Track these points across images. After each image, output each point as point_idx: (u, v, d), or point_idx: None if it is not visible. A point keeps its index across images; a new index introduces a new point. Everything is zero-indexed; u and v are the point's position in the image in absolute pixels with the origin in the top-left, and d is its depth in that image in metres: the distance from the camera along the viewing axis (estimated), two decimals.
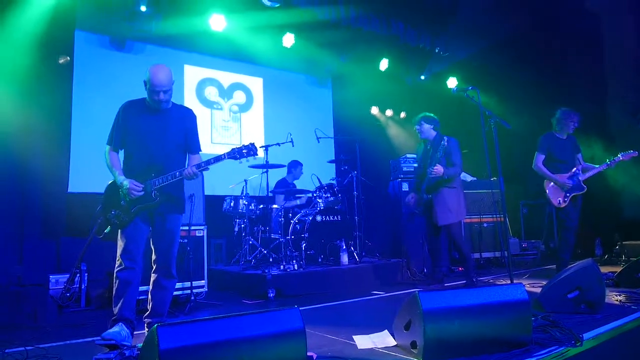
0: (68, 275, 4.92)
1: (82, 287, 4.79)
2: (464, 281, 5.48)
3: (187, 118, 3.61)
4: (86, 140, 6.78)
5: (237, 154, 3.39)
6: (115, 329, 3.18)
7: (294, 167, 7.45)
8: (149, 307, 3.51)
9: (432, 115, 5.63)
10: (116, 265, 3.39)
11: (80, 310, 4.69)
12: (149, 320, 3.48)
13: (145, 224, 3.45)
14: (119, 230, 3.42)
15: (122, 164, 3.50)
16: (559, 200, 5.61)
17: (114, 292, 3.35)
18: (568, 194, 5.60)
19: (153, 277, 3.52)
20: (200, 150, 3.67)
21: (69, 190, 6.61)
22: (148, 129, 3.44)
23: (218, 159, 3.37)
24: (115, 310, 3.31)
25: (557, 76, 8.74)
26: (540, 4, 8.34)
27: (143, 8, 6.45)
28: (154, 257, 3.51)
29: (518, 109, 8.45)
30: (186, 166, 3.49)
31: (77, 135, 6.75)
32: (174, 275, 3.53)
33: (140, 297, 4.10)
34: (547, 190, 5.68)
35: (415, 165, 7.09)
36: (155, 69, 3.34)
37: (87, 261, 4.98)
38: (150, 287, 3.53)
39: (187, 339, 2.06)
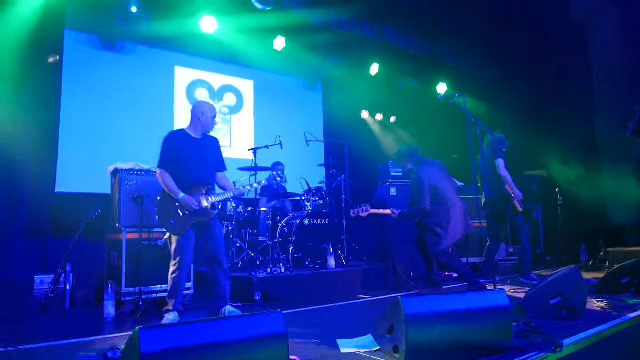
0: (53, 276, 4.88)
1: (67, 288, 4.75)
2: (462, 284, 5.50)
3: (217, 144, 4.41)
4: (74, 140, 6.76)
5: (274, 181, 4.57)
6: (170, 317, 4.01)
7: (275, 168, 7.42)
8: (217, 293, 4.22)
9: (402, 149, 5.59)
10: (172, 265, 4.08)
11: (65, 312, 4.65)
12: (219, 304, 4.23)
13: (194, 232, 4.15)
14: (176, 237, 4.07)
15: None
16: (522, 205, 5.92)
17: (170, 287, 4.08)
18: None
19: (213, 272, 4.20)
20: (227, 169, 4.48)
21: (55, 190, 6.57)
22: (194, 154, 4.16)
23: (259, 183, 4.56)
24: (172, 303, 4.07)
25: (545, 85, 8.84)
26: (528, 14, 8.43)
27: (134, 9, 6.45)
28: (208, 256, 4.21)
29: (506, 116, 8.54)
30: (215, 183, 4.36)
31: (65, 135, 6.72)
32: (225, 268, 4.23)
33: (161, 295, 4.58)
34: (513, 195, 5.85)
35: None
36: (208, 104, 4.33)
37: (72, 261, 4.94)
38: (214, 280, 4.20)
39: (169, 341, 2.06)
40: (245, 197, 6.98)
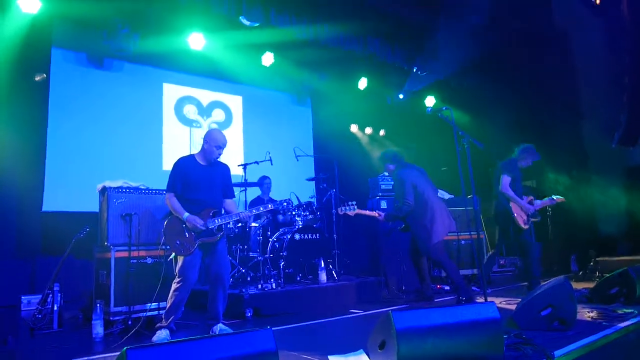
0: (40, 296, 4.82)
1: (55, 308, 4.69)
2: (454, 297, 5.52)
3: (227, 171, 4.56)
4: (62, 158, 6.72)
5: (280, 206, 4.66)
6: (162, 334, 4.06)
7: (262, 182, 7.40)
8: (211, 312, 4.29)
9: (387, 151, 5.94)
10: (175, 282, 4.14)
11: (53, 332, 4.59)
12: (210, 322, 4.30)
13: (200, 252, 4.22)
14: (182, 257, 4.14)
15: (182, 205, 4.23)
16: (525, 221, 5.90)
17: (169, 304, 4.13)
18: (531, 218, 5.97)
19: (213, 291, 4.28)
20: (235, 197, 4.65)
21: (43, 209, 6.49)
22: (203, 179, 4.31)
23: (265, 207, 4.57)
24: (168, 320, 4.13)
25: (531, 95, 8.94)
26: (512, 24, 8.54)
27: (122, 27, 6.46)
28: (212, 274, 4.27)
29: (494, 128, 8.61)
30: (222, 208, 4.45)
31: (53, 153, 6.67)
32: (226, 288, 4.34)
33: (151, 314, 4.66)
34: (513, 211, 5.89)
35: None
36: (218, 131, 4.43)
37: (60, 281, 4.89)
38: (212, 299, 4.28)
39: None
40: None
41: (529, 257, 5.93)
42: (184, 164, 4.35)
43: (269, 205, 4.59)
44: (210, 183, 4.33)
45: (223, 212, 4.41)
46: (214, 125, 8.60)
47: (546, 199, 6.22)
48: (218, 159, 4.43)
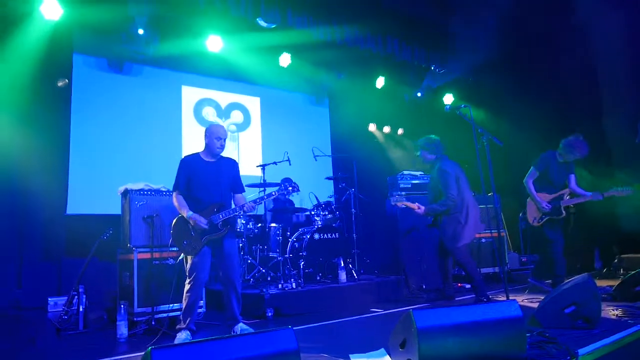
0: (66, 298, 4.92)
1: (80, 310, 4.77)
2: (474, 296, 5.48)
3: (234, 166, 4.54)
4: (84, 161, 6.84)
5: (285, 190, 4.44)
6: (182, 335, 4.07)
7: (283, 183, 7.43)
8: (228, 312, 4.30)
9: (430, 138, 5.59)
10: (187, 283, 4.15)
11: (79, 333, 4.67)
12: (230, 322, 4.30)
13: (209, 250, 4.23)
14: (190, 256, 4.16)
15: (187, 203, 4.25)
16: (534, 219, 5.79)
17: (185, 305, 4.15)
18: (543, 217, 5.76)
19: (225, 292, 4.28)
20: (244, 191, 4.58)
21: (67, 212, 6.62)
22: (208, 175, 4.30)
23: (269, 195, 4.50)
24: (186, 321, 4.13)
25: (551, 92, 8.81)
26: (531, 21, 8.44)
27: (140, 31, 6.58)
28: (222, 275, 4.28)
29: (515, 124, 8.51)
30: (231, 203, 4.42)
31: (76, 157, 6.80)
32: (237, 288, 4.28)
33: (173, 315, 4.68)
34: (527, 206, 5.86)
35: (414, 182, 7.18)
36: (217, 125, 4.44)
37: (85, 283, 4.98)
38: (226, 300, 4.29)
39: None
40: (255, 213, 7.04)
41: (547, 254, 5.81)
42: (188, 162, 4.38)
43: (274, 193, 4.48)
44: (216, 179, 4.33)
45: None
46: (233, 127, 8.67)
47: (594, 192, 5.77)
48: (222, 154, 4.42)
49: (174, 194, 4.30)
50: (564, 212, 5.76)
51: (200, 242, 4.15)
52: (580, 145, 5.78)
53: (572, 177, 5.91)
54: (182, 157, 4.55)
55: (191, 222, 4.12)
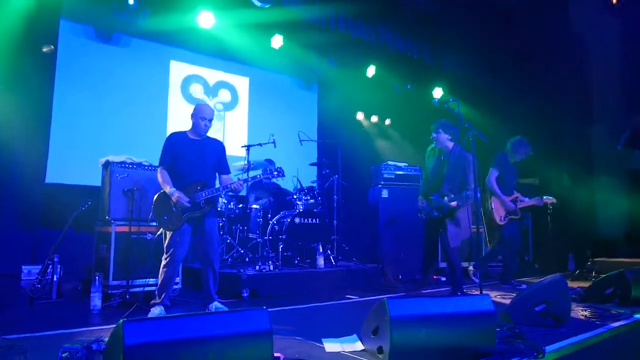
0: (41, 267, 4.86)
1: (54, 279, 4.74)
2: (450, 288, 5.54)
3: (220, 147, 4.53)
4: (66, 130, 6.73)
5: (270, 174, 4.46)
6: (156, 310, 4.05)
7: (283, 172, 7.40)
8: (205, 290, 4.30)
9: (451, 122, 5.23)
10: (163, 259, 4.16)
11: (51, 302, 4.64)
12: (206, 300, 4.30)
13: (189, 227, 4.22)
14: (169, 232, 4.16)
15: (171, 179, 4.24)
16: (501, 217, 6.00)
17: (160, 281, 4.16)
18: (508, 215, 6.06)
19: (203, 270, 4.27)
20: (230, 172, 4.57)
21: (46, 181, 6.52)
22: (193, 153, 4.29)
23: (254, 178, 4.60)
24: (161, 297, 4.13)
25: (542, 94, 8.88)
26: (529, 23, 8.47)
27: (131, 1, 6.42)
28: (200, 253, 4.29)
29: (502, 121, 8.56)
30: (216, 184, 4.44)
31: (57, 125, 6.68)
32: (215, 268, 4.27)
33: (149, 289, 4.60)
34: (492, 205, 6.04)
35: (398, 172, 7.17)
36: (204, 104, 4.45)
37: (61, 253, 4.93)
38: (203, 278, 4.28)
39: (152, 335, 2.06)
40: (236, 194, 7.02)
41: (505, 251, 6.18)
42: (174, 139, 4.37)
43: (258, 176, 4.52)
44: (200, 157, 4.32)
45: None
46: (220, 106, 8.59)
47: (535, 198, 6.31)
48: (207, 133, 4.43)
49: (159, 169, 4.29)
50: (519, 212, 6.16)
51: (181, 218, 4.13)
52: (526, 145, 6.18)
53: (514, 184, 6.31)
54: (168, 133, 4.53)
55: (173, 198, 4.10)
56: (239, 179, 4.38)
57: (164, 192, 4.20)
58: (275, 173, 4.47)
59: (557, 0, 8.49)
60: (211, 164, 4.42)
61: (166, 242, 4.18)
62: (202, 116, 4.30)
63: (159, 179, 4.25)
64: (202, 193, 4.17)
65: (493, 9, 8.35)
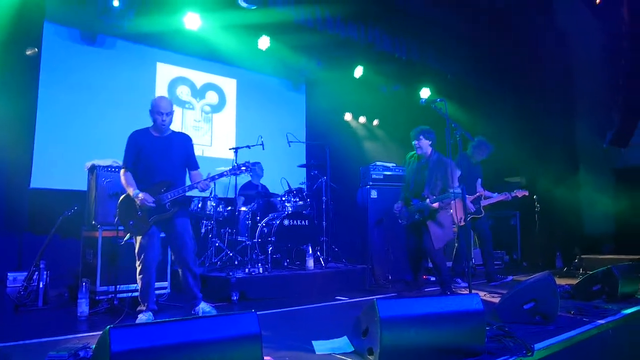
0: (26, 273, 4.80)
1: (40, 286, 4.67)
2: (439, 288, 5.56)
3: (187, 141, 4.31)
4: (51, 134, 6.64)
5: (238, 170, 4.20)
6: (144, 317, 3.95)
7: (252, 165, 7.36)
8: (188, 293, 4.21)
9: (430, 129, 5.49)
10: (137, 265, 4.02)
11: (38, 309, 4.58)
12: (193, 302, 4.21)
13: (158, 230, 4.09)
14: (138, 237, 4.01)
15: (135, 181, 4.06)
16: (460, 218, 5.83)
17: (140, 288, 4.04)
18: (468, 216, 6.10)
19: (182, 273, 4.15)
20: (199, 167, 4.35)
21: (31, 186, 6.44)
22: (156, 151, 4.08)
23: (221, 175, 4.21)
24: (145, 303, 4.04)
25: (527, 92, 8.96)
26: (514, 23, 8.54)
27: (116, 2, 6.37)
28: (173, 256, 4.24)
29: (489, 122, 8.63)
30: (186, 181, 4.24)
31: (42, 129, 6.59)
32: (192, 268, 4.12)
33: (136, 295, 4.31)
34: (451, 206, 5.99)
35: (386, 173, 7.18)
36: (159, 98, 4.19)
37: (47, 259, 4.86)
38: (183, 281, 4.17)
39: (140, 341, 2.03)
40: (225, 196, 6.99)
41: (460, 251, 6.31)
42: (136, 137, 4.15)
43: (225, 172, 4.24)
44: (165, 155, 4.10)
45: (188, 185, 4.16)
46: (207, 108, 8.55)
47: (503, 193, 6.35)
48: (170, 128, 4.19)
49: (122, 171, 4.09)
50: (483, 211, 6.28)
51: (148, 222, 3.98)
52: (487, 146, 6.33)
53: (480, 180, 6.40)
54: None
55: (137, 200, 3.93)
56: (209, 175, 4.20)
57: (128, 195, 4.01)
58: (243, 168, 4.22)
59: (541, 1, 8.57)
60: (178, 161, 4.20)
61: (136, 247, 4.03)
62: (157, 111, 4.07)
63: (123, 181, 4.07)
64: (168, 194, 3.99)
65: (479, 9, 8.41)
